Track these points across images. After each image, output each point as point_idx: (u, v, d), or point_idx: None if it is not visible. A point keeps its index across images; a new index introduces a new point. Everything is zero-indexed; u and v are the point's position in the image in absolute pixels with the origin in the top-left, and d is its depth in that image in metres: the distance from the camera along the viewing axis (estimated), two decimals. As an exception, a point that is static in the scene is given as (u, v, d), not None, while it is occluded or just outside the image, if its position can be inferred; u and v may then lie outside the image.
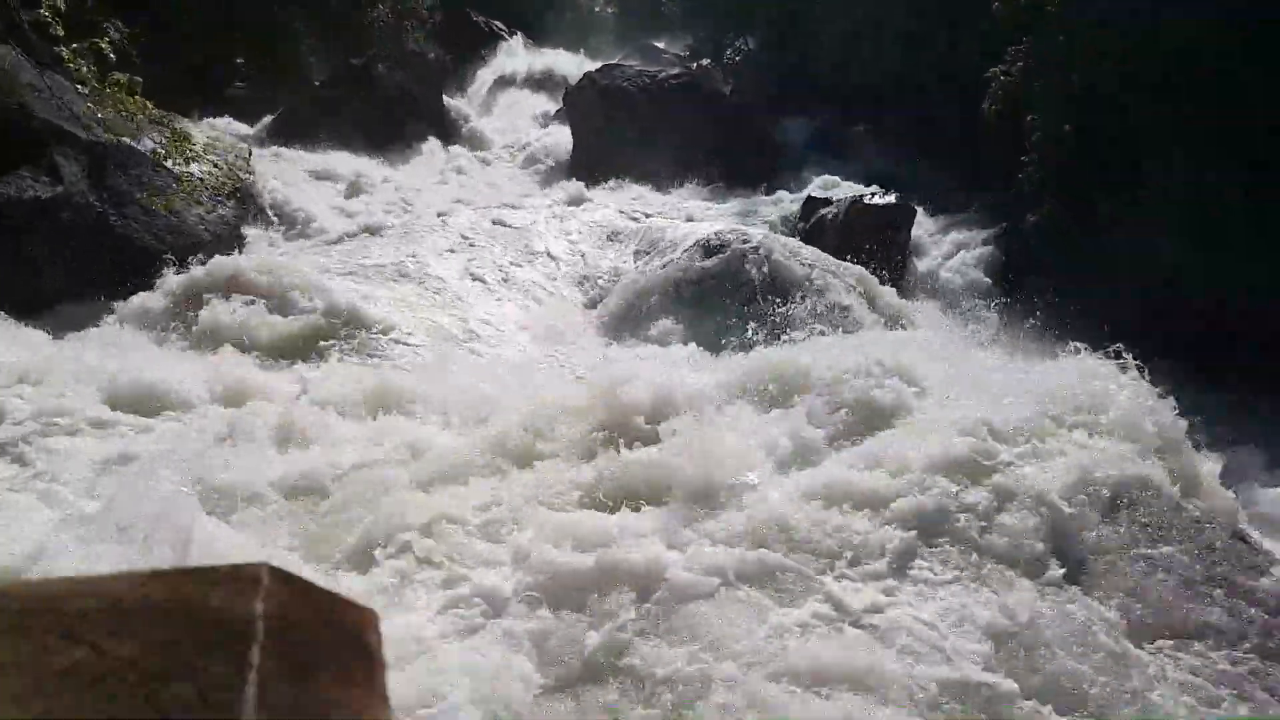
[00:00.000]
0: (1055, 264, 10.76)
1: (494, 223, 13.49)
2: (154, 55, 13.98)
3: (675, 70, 19.17)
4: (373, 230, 13.05)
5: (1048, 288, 10.03)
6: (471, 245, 12.48)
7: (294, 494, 5.06)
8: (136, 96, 6.72)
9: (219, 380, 6.31)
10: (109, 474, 5.09)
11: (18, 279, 7.76)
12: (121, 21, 15.31)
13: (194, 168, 10.88)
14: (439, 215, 13.78)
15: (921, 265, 12.47)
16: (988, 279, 11.82)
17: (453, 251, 12.27)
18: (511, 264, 12.20)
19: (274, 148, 15.99)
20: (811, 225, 13.36)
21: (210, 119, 15.34)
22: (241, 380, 6.45)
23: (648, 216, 13.52)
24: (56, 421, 5.46)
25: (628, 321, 10.24)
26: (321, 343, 8.23)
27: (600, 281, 11.29)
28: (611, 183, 15.74)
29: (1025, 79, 12.23)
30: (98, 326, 8.00)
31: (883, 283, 11.39)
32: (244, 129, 16.91)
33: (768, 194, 15.06)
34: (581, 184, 15.50)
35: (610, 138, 16.91)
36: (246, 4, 18.70)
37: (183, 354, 7.43)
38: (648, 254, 11.58)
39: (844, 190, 14.14)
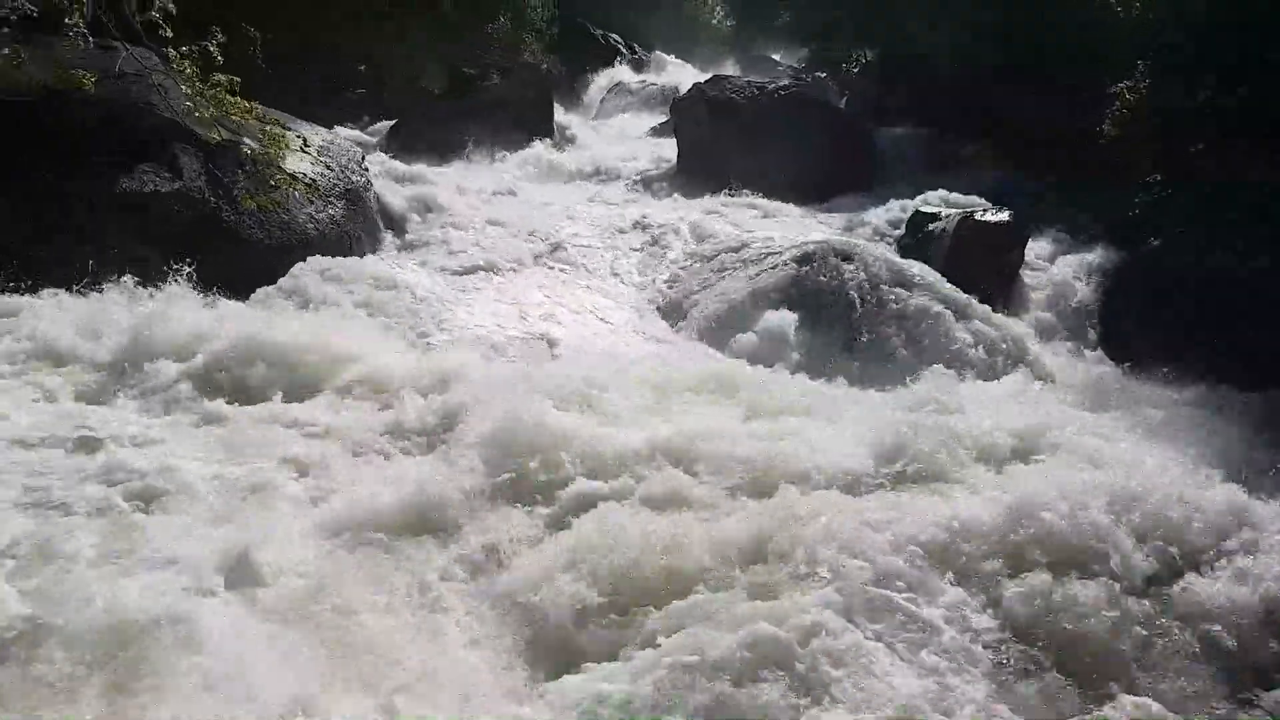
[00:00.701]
0: (1183, 293, 10.01)
1: (596, 229, 13.58)
2: (280, 60, 14.62)
3: (784, 81, 18.92)
4: (478, 235, 13.27)
5: (1173, 318, 9.34)
6: (569, 251, 12.57)
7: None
8: (237, 98, 6.99)
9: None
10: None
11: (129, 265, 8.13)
12: (254, 27, 16.14)
13: (306, 168, 11.26)
14: (542, 221, 13.94)
15: (1034, 287, 11.82)
16: (1106, 305, 11.10)
17: (550, 254, 12.39)
18: (612, 269, 12.23)
19: (388, 153, 16.51)
20: (918, 240, 12.88)
21: (328, 124, 15.94)
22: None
23: (750, 226, 13.33)
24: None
25: (723, 329, 10.07)
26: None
27: (694, 288, 11.14)
28: (716, 192, 15.59)
29: (1151, 94, 11.49)
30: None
31: (993, 305, 10.88)
32: (361, 135, 17.53)
33: (874, 206, 14.60)
34: (683, 190, 15.49)
35: (716, 148, 16.78)
36: (369, 14, 19.43)
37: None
38: (747, 263, 11.36)
39: (953, 205, 13.55)
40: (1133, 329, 10.08)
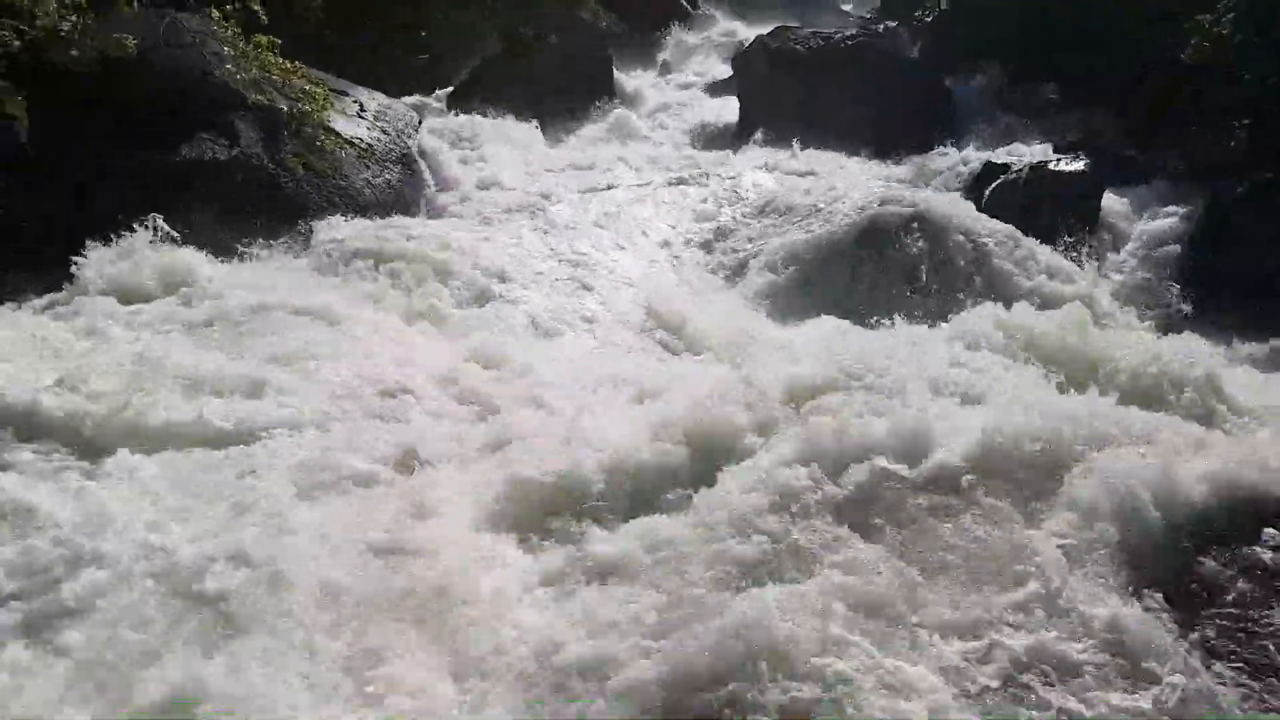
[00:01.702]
0: (1266, 239, 9.39)
1: (650, 186, 13.38)
2: (339, 26, 14.69)
3: (851, 31, 18.26)
4: (542, 196, 13.18)
5: (1255, 266, 8.78)
6: (625, 210, 12.40)
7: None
8: (279, 59, 6.95)
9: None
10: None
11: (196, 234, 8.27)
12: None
13: (363, 133, 11.30)
14: (603, 183, 13.81)
15: (1111, 238, 11.24)
16: (1188, 255, 10.51)
17: (608, 216, 12.23)
18: (671, 227, 12.02)
19: (447, 116, 16.51)
20: (991, 192, 12.35)
21: (388, 91, 15.99)
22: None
23: (813, 180, 12.95)
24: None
25: (779, 289, 9.83)
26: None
27: (750, 245, 10.88)
28: (779, 146, 15.21)
29: (1236, 26, 10.68)
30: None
31: (1069, 256, 10.41)
32: (421, 99, 17.54)
33: (945, 157, 14.05)
34: (746, 147, 15.17)
35: (779, 101, 16.35)
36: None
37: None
38: (808, 217, 11.04)
39: (1026, 154, 12.95)
40: (1208, 284, 9.52)
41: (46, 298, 7.32)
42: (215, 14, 6.87)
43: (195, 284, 7.36)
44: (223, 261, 8.18)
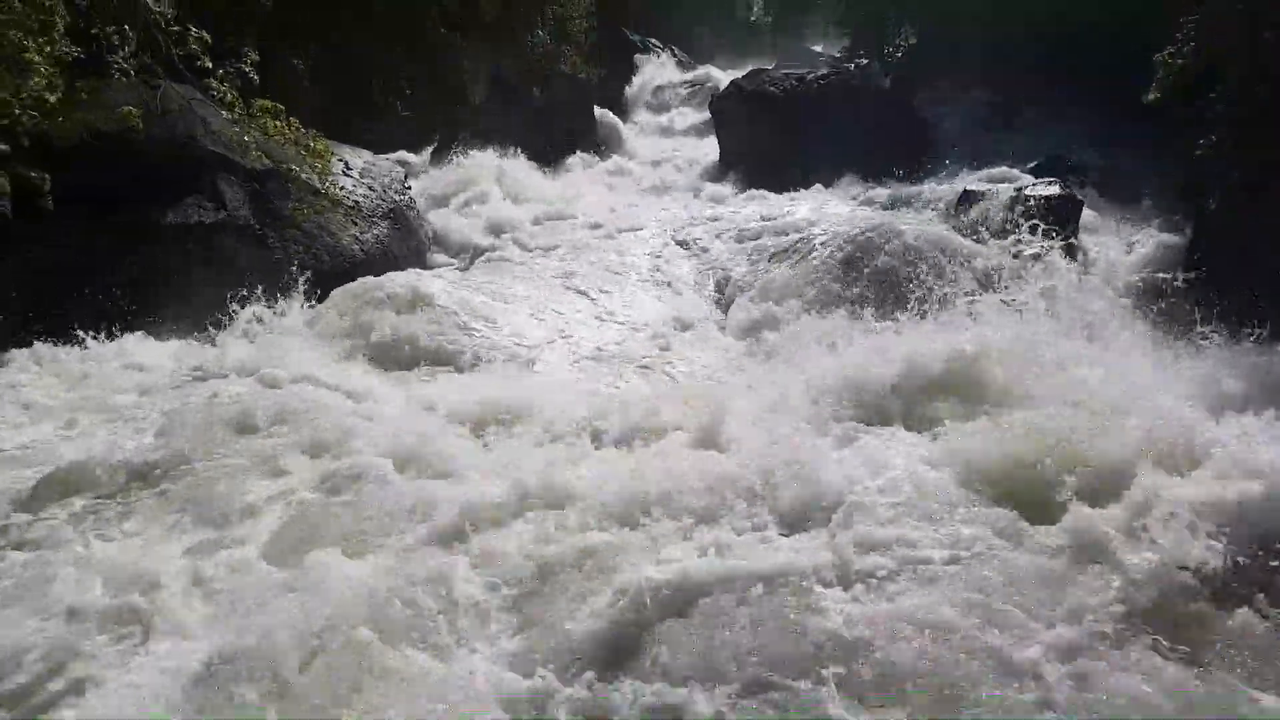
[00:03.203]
0: (1243, 249, 9.54)
1: (635, 229, 13.57)
2: (322, 82, 14.94)
3: (823, 71, 18.65)
4: (522, 243, 13.35)
5: (1235, 274, 8.89)
6: (610, 250, 12.58)
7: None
8: (279, 121, 7.12)
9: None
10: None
11: (181, 298, 8.37)
12: (299, 54, 16.53)
13: (348, 187, 11.46)
14: (585, 225, 14.01)
15: (1093, 255, 11.39)
16: (1168, 268, 10.66)
17: (594, 256, 12.39)
18: (651, 265, 12.16)
19: (432, 170, 16.76)
20: (969, 216, 12.54)
21: (372, 146, 16.22)
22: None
23: (794, 213, 13.15)
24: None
25: (765, 320, 9.93)
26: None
27: (738, 279, 11.03)
28: (757, 185, 15.46)
29: (1200, 52, 10.95)
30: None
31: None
32: (405, 155, 17.79)
33: (923, 185, 14.29)
34: (726, 187, 15.42)
35: (756, 141, 16.68)
36: (414, 34, 19.70)
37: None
38: (790, 251, 11.20)
39: (1004, 178, 13.17)
40: (1193, 298, 9.62)
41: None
42: (213, 81, 7.03)
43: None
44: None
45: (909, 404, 6.10)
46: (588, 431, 6.09)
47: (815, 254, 10.75)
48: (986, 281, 9.74)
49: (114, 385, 7.35)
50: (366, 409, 6.77)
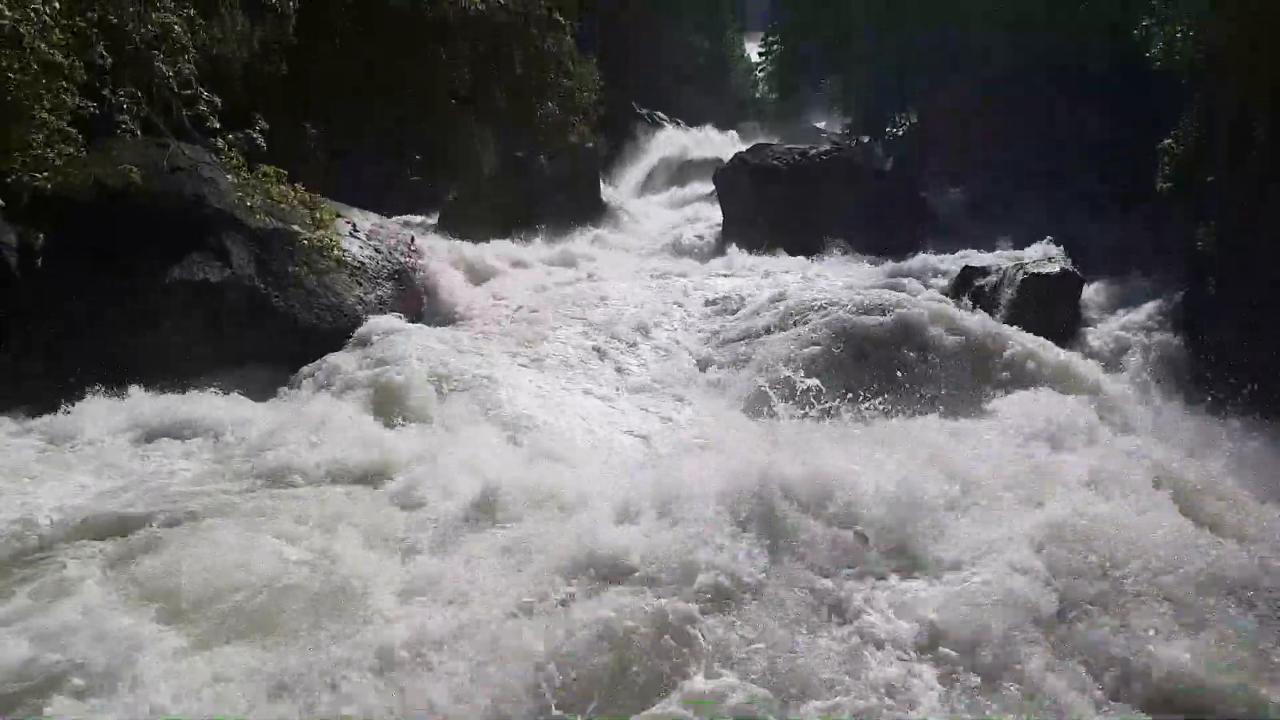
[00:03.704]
0: (1237, 338, 9.59)
1: (643, 298, 13.61)
2: (333, 149, 15.22)
3: (825, 147, 18.98)
4: (528, 309, 13.39)
5: (1226, 361, 8.91)
6: (614, 325, 12.59)
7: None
8: (282, 185, 7.25)
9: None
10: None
11: (183, 353, 8.37)
12: (312, 120, 16.88)
13: (355, 251, 11.56)
14: (587, 293, 14.05)
15: (1093, 337, 11.42)
16: (1168, 350, 10.68)
17: (593, 326, 12.40)
18: (654, 332, 12.18)
19: (439, 235, 16.91)
20: (970, 295, 12.60)
21: (384, 210, 16.43)
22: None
23: (796, 285, 13.21)
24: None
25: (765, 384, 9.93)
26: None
27: (739, 347, 11.04)
28: (760, 256, 15.59)
29: (1198, 148, 11.17)
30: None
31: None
32: (415, 218, 18.01)
33: (921, 262, 14.41)
34: (729, 258, 15.56)
35: (759, 214, 16.86)
36: (424, 104, 20.16)
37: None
38: (791, 320, 11.22)
39: (1005, 256, 13.27)
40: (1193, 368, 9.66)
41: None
42: (220, 143, 7.17)
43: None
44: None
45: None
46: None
47: (813, 325, 10.75)
48: (987, 361, 9.71)
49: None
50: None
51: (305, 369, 9.33)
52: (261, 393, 8.87)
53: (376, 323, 10.70)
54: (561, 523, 5.86)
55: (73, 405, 7.87)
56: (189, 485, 6.51)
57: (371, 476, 6.90)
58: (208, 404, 8.12)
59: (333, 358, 9.63)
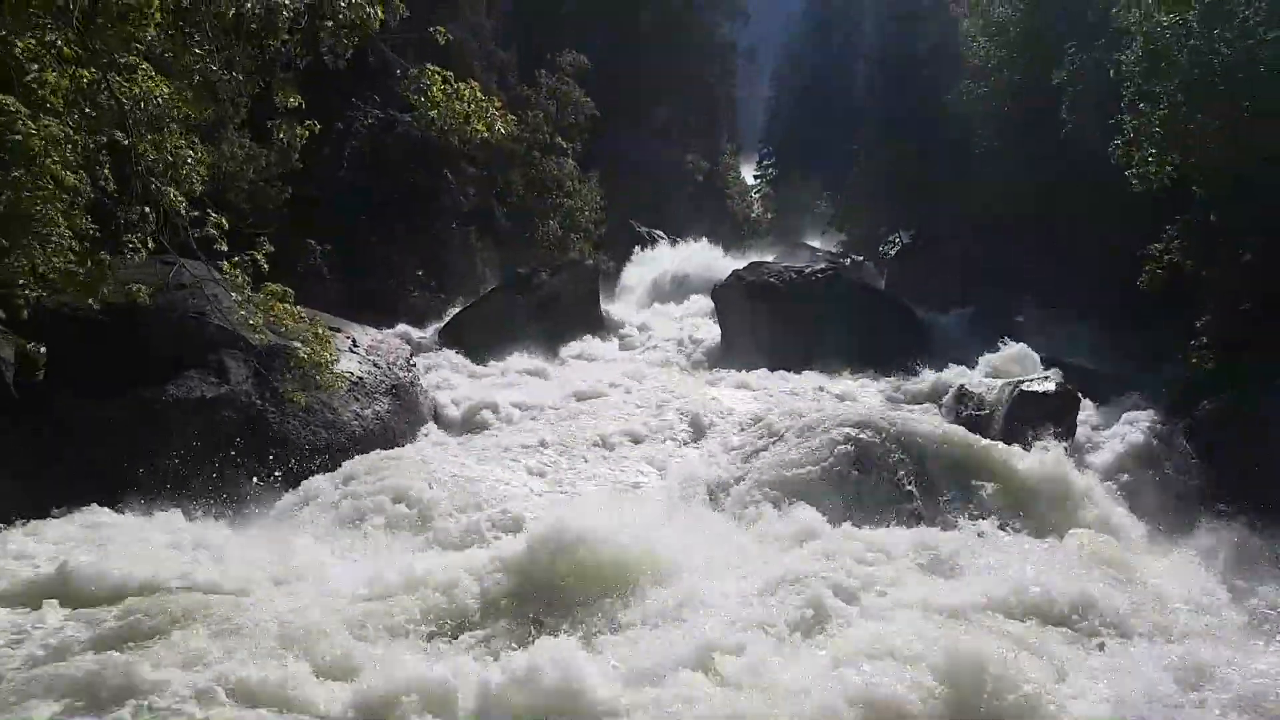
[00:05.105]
0: (1237, 453, 9.56)
1: (642, 412, 13.61)
2: (337, 268, 15.49)
3: (821, 265, 19.36)
4: (527, 422, 13.36)
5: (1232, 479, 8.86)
6: (619, 430, 12.56)
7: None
8: (285, 305, 7.35)
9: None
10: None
11: (178, 470, 8.30)
12: (314, 241, 17.24)
13: (354, 367, 11.60)
14: (588, 407, 14.04)
15: (1091, 454, 11.38)
16: (1167, 469, 10.62)
17: (596, 438, 12.35)
18: (654, 451, 12.13)
19: (440, 349, 17.06)
20: (967, 412, 12.62)
21: (384, 325, 16.61)
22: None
23: (792, 403, 13.23)
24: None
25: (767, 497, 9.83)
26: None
27: (740, 460, 10.97)
28: (758, 372, 15.69)
29: (1186, 255, 11.38)
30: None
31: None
32: (416, 333, 18.19)
33: (920, 380, 14.50)
34: (728, 373, 15.67)
35: (756, 330, 17.07)
36: (425, 222, 20.68)
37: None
38: (789, 439, 11.17)
39: (1002, 376, 13.36)
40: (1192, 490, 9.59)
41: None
42: (226, 264, 7.33)
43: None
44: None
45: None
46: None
47: (817, 443, 10.70)
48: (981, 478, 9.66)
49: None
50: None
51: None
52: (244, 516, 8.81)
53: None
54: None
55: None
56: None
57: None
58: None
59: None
